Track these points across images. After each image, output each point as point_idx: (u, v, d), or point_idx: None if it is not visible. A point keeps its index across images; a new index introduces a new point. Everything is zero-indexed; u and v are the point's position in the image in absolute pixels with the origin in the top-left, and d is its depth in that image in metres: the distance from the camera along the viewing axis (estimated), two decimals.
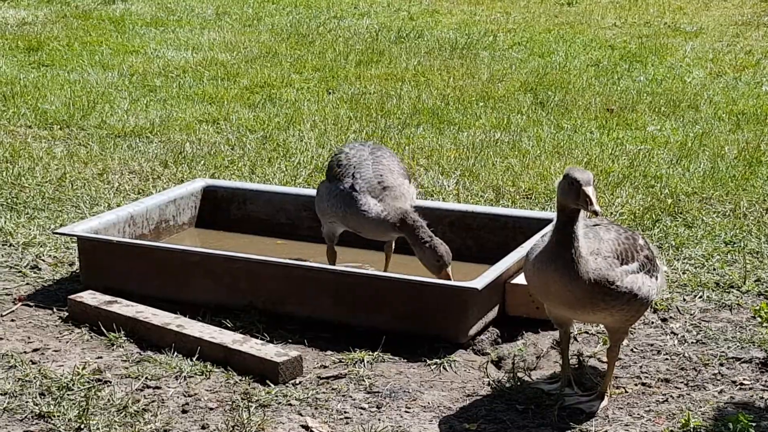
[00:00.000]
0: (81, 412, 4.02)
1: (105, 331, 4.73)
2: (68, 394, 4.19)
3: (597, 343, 4.77)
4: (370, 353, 4.55)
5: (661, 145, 7.76)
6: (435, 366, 4.50)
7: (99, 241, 5.17)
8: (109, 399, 4.15)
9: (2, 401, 4.14)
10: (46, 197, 6.49)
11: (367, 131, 8.00)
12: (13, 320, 4.93)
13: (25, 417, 4.05)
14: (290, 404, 4.18)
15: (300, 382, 4.35)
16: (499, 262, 4.86)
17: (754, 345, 4.73)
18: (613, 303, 3.97)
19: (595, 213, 3.80)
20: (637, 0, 14.67)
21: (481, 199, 6.49)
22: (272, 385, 4.30)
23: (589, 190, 3.80)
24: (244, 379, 4.35)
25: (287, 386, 4.31)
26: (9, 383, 4.27)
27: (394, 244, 5.33)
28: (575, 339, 4.79)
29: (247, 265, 4.91)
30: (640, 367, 4.55)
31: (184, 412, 4.12)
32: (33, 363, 4.47)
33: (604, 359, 4.52)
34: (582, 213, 3.93)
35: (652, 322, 4.96)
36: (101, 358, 4.54)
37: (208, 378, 4.37)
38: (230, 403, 4.17)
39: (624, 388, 4.35)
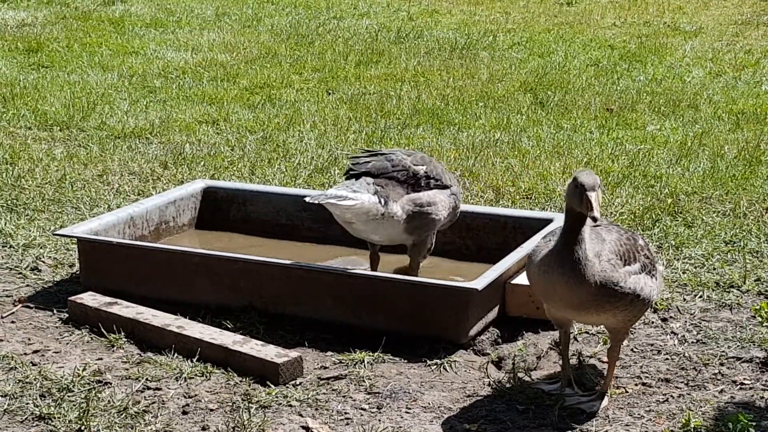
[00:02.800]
0: (81, 414, 4.02)
1: (105, 332, 4.73)
2: (68, 396, 4.19)
3: (597, 343, 4.77)
4: (371, 354, 4.55)
5: (660, 145, 7.76)
6: (435, 366, 4.50)
7: (99, 243, 5.17)
8: (109, 400, 4.15)
9: (2, 403, 4.14)
10: (46, 199, 6.49)
11: (366, 132, 8.00)
12: (13, 322, 4.93)
13: (26, 419, 4.05)
14: (290, 405, 4.18)
15: (300, 383, 4.35)
16: (499, 263, 4.85)
17: (754, 344, 4.73)
18: (617, 304, 3.97)
19: (594, 219, 3.80)
20: (636, 0, 14.67)
21: (481, 200, 6.49)
22: (272, 386, 4.30)
23: (592, 196, 3.80)
24: (244, 380, 4.35)
25: (287, 387, 4.31)
26: (9, 385, 4.28)
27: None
28: (575, 339, 4.79)
29: (247, 266, 4.91)
30: (641, 367, 4.55)
31: (184, 413, 4.12)
32: (33, 364, 4.47)
33: (605, 359, 4.52)
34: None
35: (653, 322, 4.97)
36: (101, 359, 4.54)
37: (208, 379, 4.37)
38: (231, 404, 4.17)
39: (624, 388, 4.36)
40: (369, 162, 4.95)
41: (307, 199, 4.79)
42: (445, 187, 5.02)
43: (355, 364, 4.50)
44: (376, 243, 5.10)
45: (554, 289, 3.97)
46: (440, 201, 4.99)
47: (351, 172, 4.97)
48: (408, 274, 5.03)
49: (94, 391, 4.20)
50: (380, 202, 4.83)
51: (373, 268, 5.08)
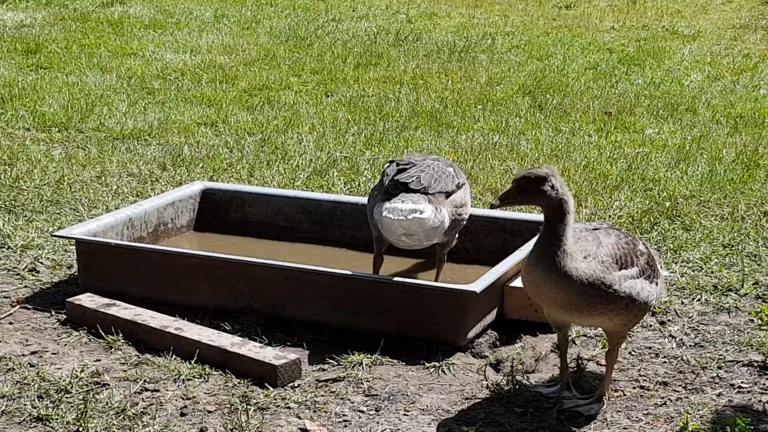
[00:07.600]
0: (79, 415, 4.02)
1: (103, 333, 4.72)
2: (66, 397, 4.18)
3: (595, 346, 4.77)
4: (369, 356, 4.55)
5: (659, 148, 7.77)
6: (433, 369, 4.50)
7: (97, 244, 5.16)
8: (107, 402, 4.15)
9: (0, 404, 4.14)
10: (45, 200, 6.49)
11: (365, 134, 8.00)
12: (11, 323, 4.93)
13: (23, 420, 4.05)
14: (289, 407, 4.18)
15: (298, 385, 4.35)
16: (498, 265, 4.86)
17: (752, 348, 4.73)
18: (611, 307, 3.97)
19: (491, 205, 4.04)
20: (635, 3, 14.69)
21: (480, 202, 6.48)
22: (271, 388, 4.30)
23: (509, 187, 4.02)
24: (242, 382, 4.35)
25: (286, 389, 4.31)
26: (7, 386, 4.27)
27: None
28: (574, 342, 4.79)
29: (245, 268, 4.91)
30: (639, 370, 4.55)
31: (182, 415, 4.12)
32: (31, 366, 4.47)
33: (603, 362, 4.52)
34: (572, 216, 3.93)
35: (651, 325, 4.97)
36: (99, 360, 4.54)
37: (206, 381, 4.37)
38: (229, 406, 4.17)
39: (622, 391, 4.36)
40: (419, 177, 4.88)
41: (390, 216, 4.67)
42: (462, 185, 5.06)
43: (353, 366, 4.50)
44: (415, 248, 5.01)
45: (540, 289, 3.98)
46: (467, 201, 5.07)
47: (408, 187, 4.85)
48: (437, 267, 5.15)
49: (92, 393, 4.20)
50: (438, 210, 4.82)
51: (376, 271, 5.09)
